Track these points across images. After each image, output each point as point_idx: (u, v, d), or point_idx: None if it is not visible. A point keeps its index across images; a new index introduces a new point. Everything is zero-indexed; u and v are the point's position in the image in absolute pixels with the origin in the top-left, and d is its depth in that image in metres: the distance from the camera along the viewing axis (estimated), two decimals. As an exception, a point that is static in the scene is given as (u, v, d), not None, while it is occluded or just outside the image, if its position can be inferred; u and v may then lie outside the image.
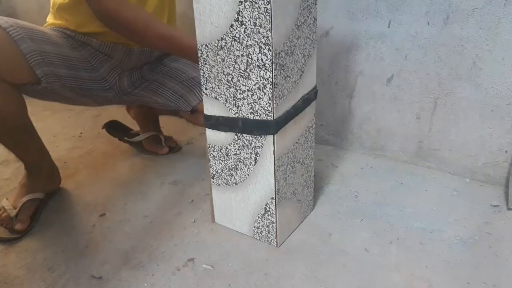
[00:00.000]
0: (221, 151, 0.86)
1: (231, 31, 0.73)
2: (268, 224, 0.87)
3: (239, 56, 0.74)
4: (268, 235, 0.89)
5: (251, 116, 0.78)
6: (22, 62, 0.87)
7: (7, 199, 1.02)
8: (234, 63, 0.75)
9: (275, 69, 0.72)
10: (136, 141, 1.31)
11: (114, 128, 1.34)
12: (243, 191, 0.88)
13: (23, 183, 1.04)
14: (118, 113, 1.47)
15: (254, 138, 0.80)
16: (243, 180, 0.86)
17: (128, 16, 0.89)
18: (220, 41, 0.75)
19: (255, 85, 0.75)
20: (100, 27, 0.97)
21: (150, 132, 1.32)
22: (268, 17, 0.68)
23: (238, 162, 0.85)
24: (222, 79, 0.78)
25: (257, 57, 0.72)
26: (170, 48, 0.94)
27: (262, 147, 0.80)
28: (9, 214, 0.98)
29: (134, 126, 1.37)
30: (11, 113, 0.90)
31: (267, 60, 0.71)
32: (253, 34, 0.70)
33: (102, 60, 1.03)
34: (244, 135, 0.81)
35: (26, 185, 1.03)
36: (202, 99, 1.04)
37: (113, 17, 0.89)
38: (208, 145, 0.88)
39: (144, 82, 1.13)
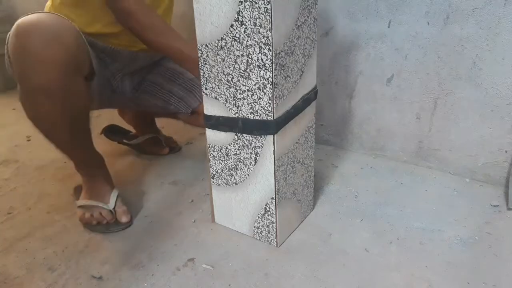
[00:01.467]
0: (221, 151, 0.86)
1: (231, 31, 0.73)
2: (268, 224, 0.88)
3: (239, 56, 0.74)
4: (268, 235, 0.89)
5: (251, 116, 0.78)
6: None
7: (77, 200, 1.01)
8: (234, 63, 0.75)
9: (275, 69, 0.72)
10: (135, 143, 1.31)
11: (112, 132, 1.34)
12: (243, 191, 0.88)
13: (98, 179, 1.01)
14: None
15: (254, 138, 0.80)
16: (243, 180, 0.86)
17: (143, 21, 0.90)
18: (220, 41, 0.75)
19: (255, 85, 0.75)
20: (105, 28, 0.97)
21: (148, 134, 1.32)
22: (268, 17, 0.68)
23: (238, 162, 0.85)
24: (222, 79, 0.78)
25: (257, 57, 0.72)
26: (176, 60, 0.95)
27: (262, 147, 0.80)
28: (106, 209, 0.98)
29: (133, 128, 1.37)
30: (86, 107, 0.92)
31: (267, 60, 0.71)
32: (253, 34, 0.70)
33: (106, 63, 1.03)
34: (244, 135, 0.81)
35: (102, 181, 1.01)
36: (201, 101, 1.05)
37: (129, 18, 0.90)
38: (208, 145, 0.88)
39: (143, 84, 1.13)
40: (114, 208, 0.98)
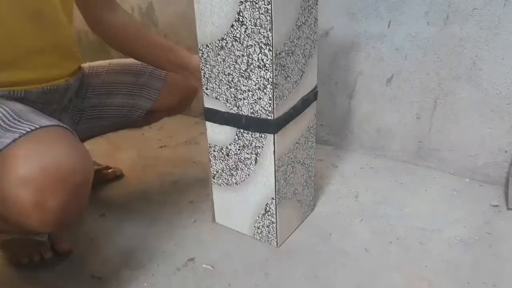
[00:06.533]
0: (222, 151, 0.86)
1: (231, 31, 0.73)
2: (268, 224, 0.88)
3: (239, 56, 0.74)
4: (268, 235, 0.89)
5: (251, 116, 0.78)
6: None
7: None
8: (234, 63, 0.75)
9: (275, 69, 0.72)
10: None
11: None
12: (244, 191, 0.88)
13: None
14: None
15: (255, 138, 0.80)
16: (243, 180, 0.86)
17: (131, 32, 0.89)
18: (221, 41, 0.75)
19: (255, 85, 0.75)
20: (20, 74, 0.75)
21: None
22: (268, 18, 0.68)
23: (238, 162, 0.85)
24: (223, 79, 0.78)
25: (258, 57, 0.72)
26: (167, 58, 0.91)
27: (262, 147, 0.80)
28: (38, 239, 0.85)
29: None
30: None
31: (267, 60, 0.71)
32: (254, 34, 0.70)
33: (43, 110, 0.79)
34: (244, 135, 0.81)
35: None
36: (155, 98, 1.01)
37: (118, 33, 0.89)
38: (208, 145, 0.88)
39: (83, 114, 0.98)
40: (48, 238, 0.86)
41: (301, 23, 0.76)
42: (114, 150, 1.36)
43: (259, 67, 0.73)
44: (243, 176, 0.86)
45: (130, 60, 1.02)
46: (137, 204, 1.07)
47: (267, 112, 0.76)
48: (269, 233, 0.89)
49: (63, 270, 0.86)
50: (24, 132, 0.57)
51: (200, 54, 0.79)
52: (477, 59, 0.98)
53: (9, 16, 0.71)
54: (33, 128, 0.59)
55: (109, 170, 1.18)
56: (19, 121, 0.62)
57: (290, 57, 0.76)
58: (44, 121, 0.64)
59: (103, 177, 1.16)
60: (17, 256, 0.85)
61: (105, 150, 1.36)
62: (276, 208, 0.84)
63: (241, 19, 0.71)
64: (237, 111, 0.79)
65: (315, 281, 0.80)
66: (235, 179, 0.87)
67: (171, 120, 1.34)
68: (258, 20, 0.69)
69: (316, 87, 0.88)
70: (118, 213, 1.03)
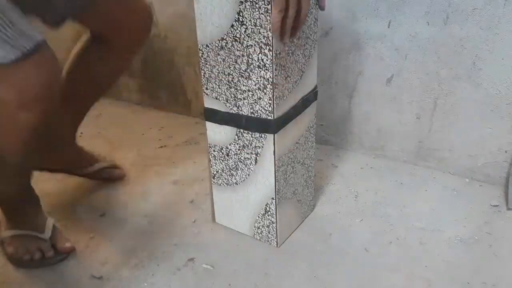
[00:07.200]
0: (222, 151, 0.86)
1: (231, 31, 0.73)
2: (268, 224, 0.88)
3: (239, 56, 0.74)
4: (268, 235, 0.89)
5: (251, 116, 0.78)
6: None
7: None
8: (234, 63, 0.75)
9: (275, 69, 0.72)
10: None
11: None
12: (244, 191, 0.88)
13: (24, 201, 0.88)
14: (119, 113, 1.46)
15: (255, 138, 0.80)
16: (243, 180, 0.86)
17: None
18: (220, 41, 0.75)
19: (255, 85, 0.75)
20: None
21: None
22: (268, 18, 0.68)
23: (238, 162, 0.85)
24: (223, 79, 0.78)
25: (258, 57, 0.72)
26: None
27: (262, 147, 0.80)
28: (41, 237, 0.86)
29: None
30: None
31: (267, 60, 0.71)
32: (254, 34, 0.70)
33: None
34: (244, 135, 0.81)
35: (31, 204, 0.90)
36: None
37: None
38: (208, 145, 0.88)
39: None
40: (50, 237, 0.86)
41: (301, 23, 0.76)
42: (113, 150, 1.36)
43: (259, 67, 0.73)
44: (243, 176, 0.86)
45: None
46: (137, 204, 1.07)
47: (267, 112, 0.76)
48: (269, 233, 0.89)
49: (63, 269, 0.86)
50: (24, 50, 0.62)
51: (200, 54, 0.79)
52: (477, 59, 0.98)
53: None
54: (29, 48, 0.63)
55: (116, 171, 1.16)
56: (16, 32, 0.64)
57: (290, 57, 0.76)
58: (36, 34, 0.66)
59: (108, 176, 1.14)
60: (18, 253, 0.85)
61: (105, 150, 1.36)
62: (276, 208, 0.84)
63: (241, 19, 0.71)
64: (237, 111, 0.80)
65: (315, 281, 0.80)
66: (235, 179, 0.87)
67: (171, 120, 1.35)
68: (258, 20, 0.69)
69: (316, 87, 0.88)
70: (118, 213, 1.03)
